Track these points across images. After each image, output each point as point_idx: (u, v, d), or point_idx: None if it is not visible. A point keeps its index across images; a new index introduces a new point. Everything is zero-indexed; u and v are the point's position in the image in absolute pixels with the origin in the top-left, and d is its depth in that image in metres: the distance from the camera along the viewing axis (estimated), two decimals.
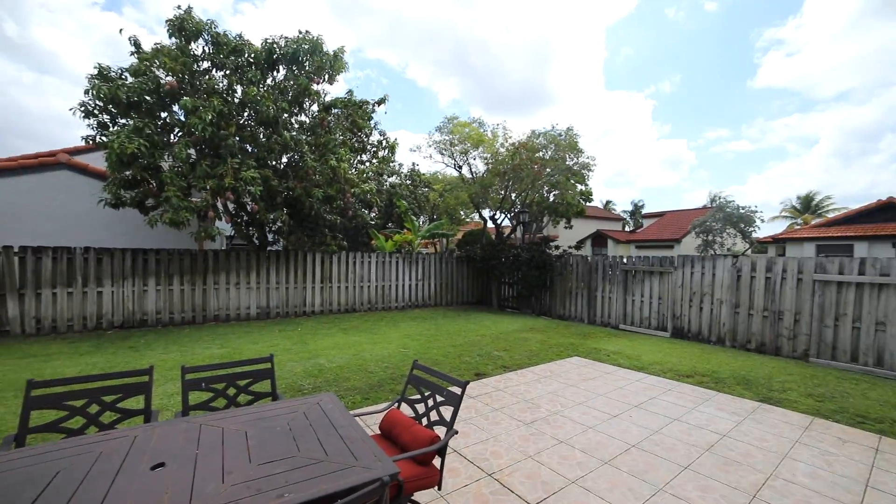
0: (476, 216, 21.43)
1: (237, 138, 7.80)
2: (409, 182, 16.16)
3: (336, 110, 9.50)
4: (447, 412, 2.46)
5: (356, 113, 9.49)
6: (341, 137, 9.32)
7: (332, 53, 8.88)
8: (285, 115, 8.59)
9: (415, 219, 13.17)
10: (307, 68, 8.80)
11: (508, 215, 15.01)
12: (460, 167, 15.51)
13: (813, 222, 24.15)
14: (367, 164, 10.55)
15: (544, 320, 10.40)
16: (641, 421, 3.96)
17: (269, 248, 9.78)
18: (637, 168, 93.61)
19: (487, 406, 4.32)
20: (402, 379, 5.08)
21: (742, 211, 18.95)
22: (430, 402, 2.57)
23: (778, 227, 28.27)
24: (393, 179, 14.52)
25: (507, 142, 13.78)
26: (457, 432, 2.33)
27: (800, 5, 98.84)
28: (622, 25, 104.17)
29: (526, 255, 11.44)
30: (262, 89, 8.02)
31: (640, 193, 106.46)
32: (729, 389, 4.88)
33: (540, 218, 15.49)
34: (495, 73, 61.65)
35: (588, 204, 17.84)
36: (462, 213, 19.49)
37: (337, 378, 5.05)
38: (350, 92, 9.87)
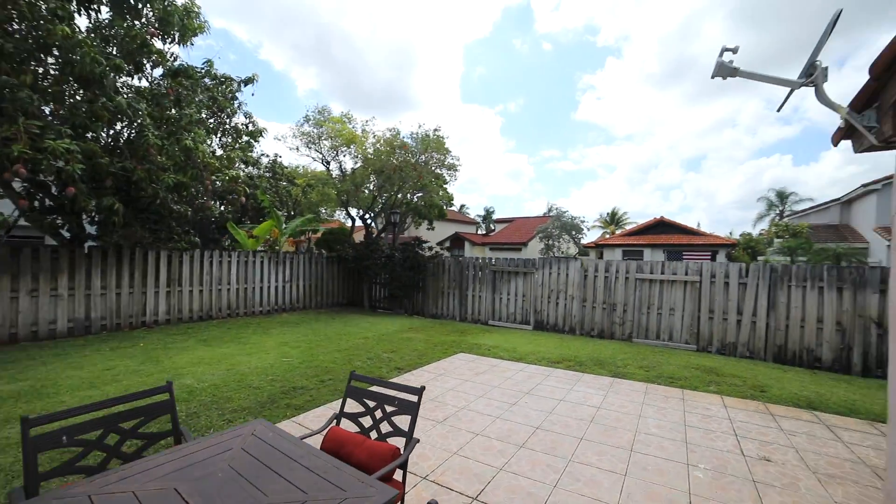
0: (339, 214, 20.67)
1: (31, 91, 5.74)
2: (268, 174, 14.61)
3: (189, 81, 7.95)
4: (400, 421, 2.39)
5: (217, 89, 8.12)
6: (197, 115, 7.84)
7: (180, 5, 7.40)
8: (112, 73, 6.75)
9: (281, 214, 11.95)
10: (148, 17, 7.15)
11: (370, 214, 14.92)
12: (328, 162, 14.78)
13: (617, 232, 31.12)
14: (226, 149, 9.12)
15: (419, 320, 10.74)
16: (536, 405, 4.53)
17: (87, 244, 7.53)
18: (486, 177, 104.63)
19: None
20: (296, 392, 4.64)
21: (574, 221, 23.22)
22: (379, 414, 2.46)
23: (594, 235, 35.43)
24: (251, 170, 12.90)
25: (378, 141, 13.71)
26: (418, 440, 2.30)
27: (604, 62, 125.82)
28: (478, 46, 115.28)
29: (400, 256, 11.64)
30: (78, 32, 6.14)
31: (488, 200, 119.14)
32: (590, 370, 5.98)
33: (403, 219, 15.88)
34: (358, 70, 60.28)
35: (447, 207, 19.15)
36: (324, 210, 18.59)
37: (215, 399, 4.28)
38: (209, 62, 8.39)
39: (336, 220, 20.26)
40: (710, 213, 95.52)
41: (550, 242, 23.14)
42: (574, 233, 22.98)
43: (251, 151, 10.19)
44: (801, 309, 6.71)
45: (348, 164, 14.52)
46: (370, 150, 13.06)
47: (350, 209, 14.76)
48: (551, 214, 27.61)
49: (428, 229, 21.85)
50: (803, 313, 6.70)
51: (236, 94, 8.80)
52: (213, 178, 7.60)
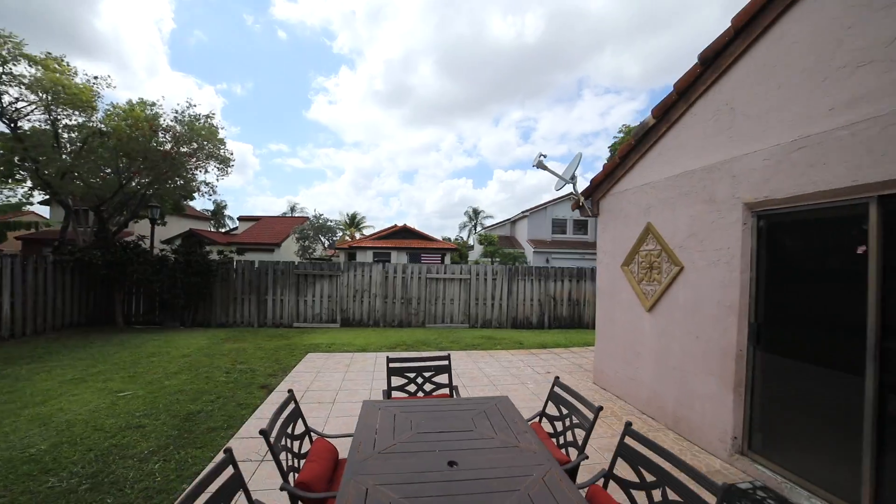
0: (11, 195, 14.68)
1: None
2: None
3: None
4: (438, 379, 3.75)
5: None
6: None
7: None
8: None
9: None
10: None
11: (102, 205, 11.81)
12: (14, 122, 10.56)
13: (357, 235, 34.80)
14: None
15: (213, 331, 9.88)
16: None
17: None
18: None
19: (319, 404, 5.10)
20: (205, 416, 4.57)
21: (328, 224, 24.82)
22: (420, 380, 3.75)
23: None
24: None
25: (132, 112, 11.11)
26: (456, 387, 3.78)
27: (338, 69, 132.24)
28: (198, 4, 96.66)
29: (182, 259, 10.29)
30: None
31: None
32: (422, 348, 8.16)
33: (121, 210, 13.03)
34: None
35: (185, 201, 16.82)
36: None
37: (107, 449, 3.78)
38: None
39: None
40: (419, 219, 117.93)
41: (307, 244, 23.88)
42: (329, 235, 24.66)
43: None
44: (524, 293, 11.36)
45: (63, 131, 10.81)
46: (118, 124, 10.37)
47: (62, 195, 11.02)
48: (303, 215, 28.14)
49: (159, 224, 18.37)
50: (524, 296, 11.36)
51: None
52: None
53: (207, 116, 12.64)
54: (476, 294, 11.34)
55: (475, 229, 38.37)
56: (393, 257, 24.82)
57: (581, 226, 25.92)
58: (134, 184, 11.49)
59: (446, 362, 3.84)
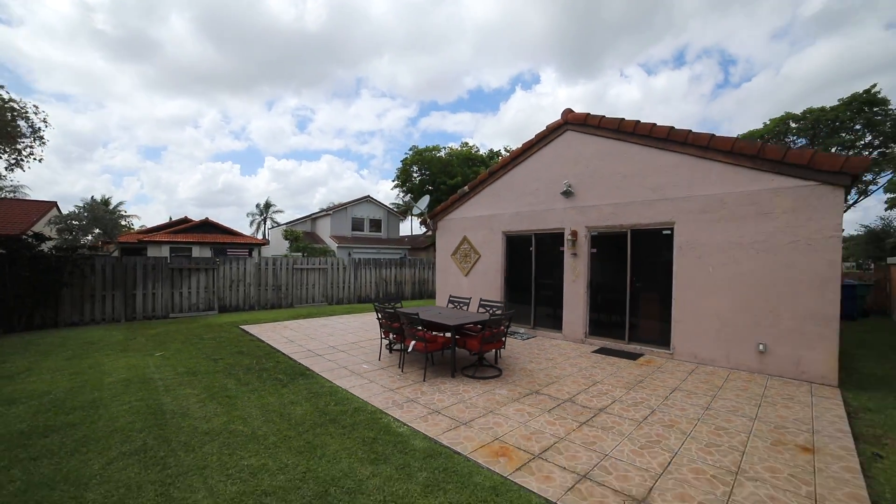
0: None
1: None
2: None
3: None
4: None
5: None
6: None
7: None
8: None
9: None
10: None
11: None
12: None
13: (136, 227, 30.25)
14: None
15: (88, 328, 10.65)
16: (340, 326, 10.49)
17: None
18: None
19: (311, 339, 8.90)
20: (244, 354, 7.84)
21: (112, 216, 22.12)
22: (390, 307, 8.44)
23: None
24: None
25: None
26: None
27: None
28: None
29: (27, 253, 10.41)
30: None
31: None
32: (314, 316, 12.04)
33: None
34: None
35: None
36: None
37: (233, 363, 6.97)
38: None
39: None
40: (170, 207, 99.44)
41: (73, 235, 20.75)
42: (111, 228, 22.08)
43: None
44: (365, 278, 16.18)
45: None
46: None
47: None
48: (46, 199, 23.39)
49: None
50: (366, 280, 16.19)
51: None
52: None
53: None
54: (332, 280, 15.46)
55: (265, 223, 38.98)
56: (195, 251, 24.42)
57: (375, 225, 31.89)
58: None
59: (401, 303, 8.69)
